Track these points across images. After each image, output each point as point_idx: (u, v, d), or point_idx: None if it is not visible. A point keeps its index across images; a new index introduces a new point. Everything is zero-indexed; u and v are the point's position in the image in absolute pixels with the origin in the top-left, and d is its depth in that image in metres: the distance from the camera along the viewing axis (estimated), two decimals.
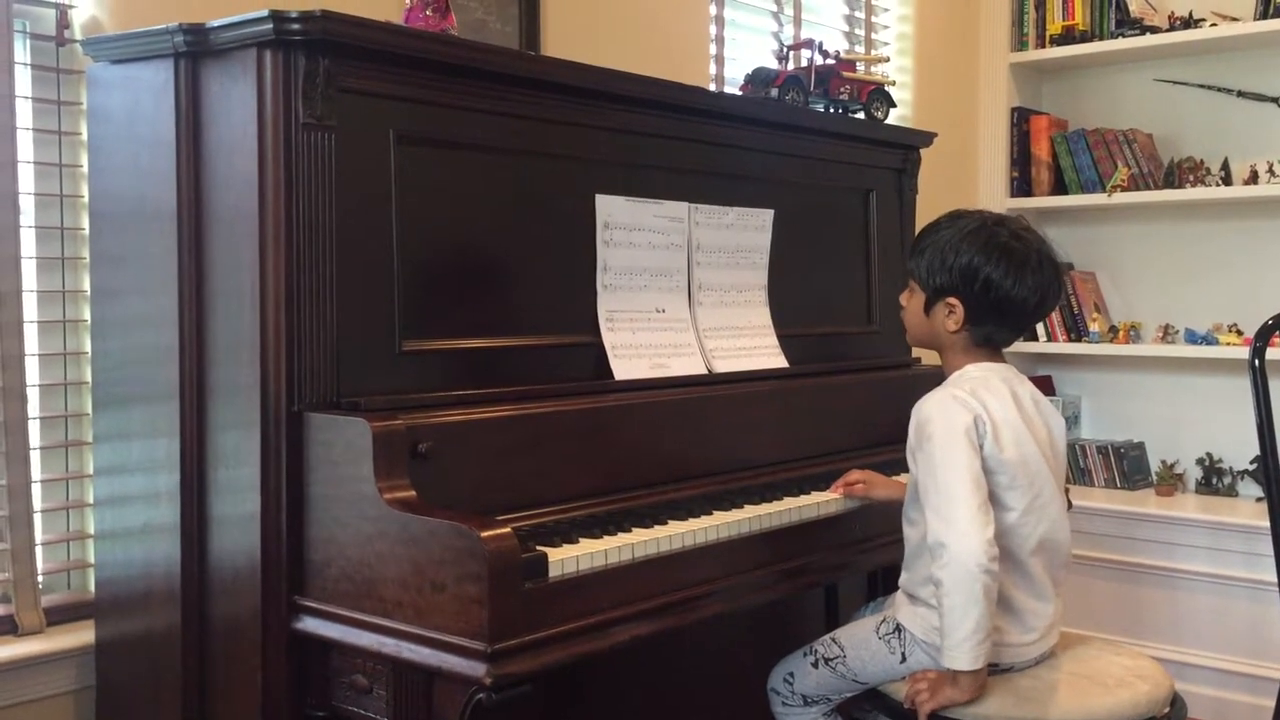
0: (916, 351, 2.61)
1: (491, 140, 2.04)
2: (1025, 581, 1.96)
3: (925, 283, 2.02)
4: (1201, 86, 3.92)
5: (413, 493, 1.71)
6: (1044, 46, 4.11)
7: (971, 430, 1.89)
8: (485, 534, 1.60)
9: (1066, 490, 2.05)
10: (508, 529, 1.64)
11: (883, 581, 2.72)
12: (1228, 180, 3.81)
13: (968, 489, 1.85)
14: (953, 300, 1.98)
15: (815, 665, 2.09)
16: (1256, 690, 3.44)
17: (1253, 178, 3.73)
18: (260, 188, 1.78)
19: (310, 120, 1.79)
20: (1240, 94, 3.85)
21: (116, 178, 1.99)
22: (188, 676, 1.90)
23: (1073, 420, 4.18)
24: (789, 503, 2.15)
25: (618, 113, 2.22)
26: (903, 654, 2.00)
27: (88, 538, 2.16)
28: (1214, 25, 3.80)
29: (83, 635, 2.10)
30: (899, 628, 2.01)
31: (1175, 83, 3.98)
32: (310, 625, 1.79)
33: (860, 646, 2.05)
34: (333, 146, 1.81)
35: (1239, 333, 3.75)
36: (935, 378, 2.11)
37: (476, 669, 1.59)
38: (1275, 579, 2.38)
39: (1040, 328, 4.06)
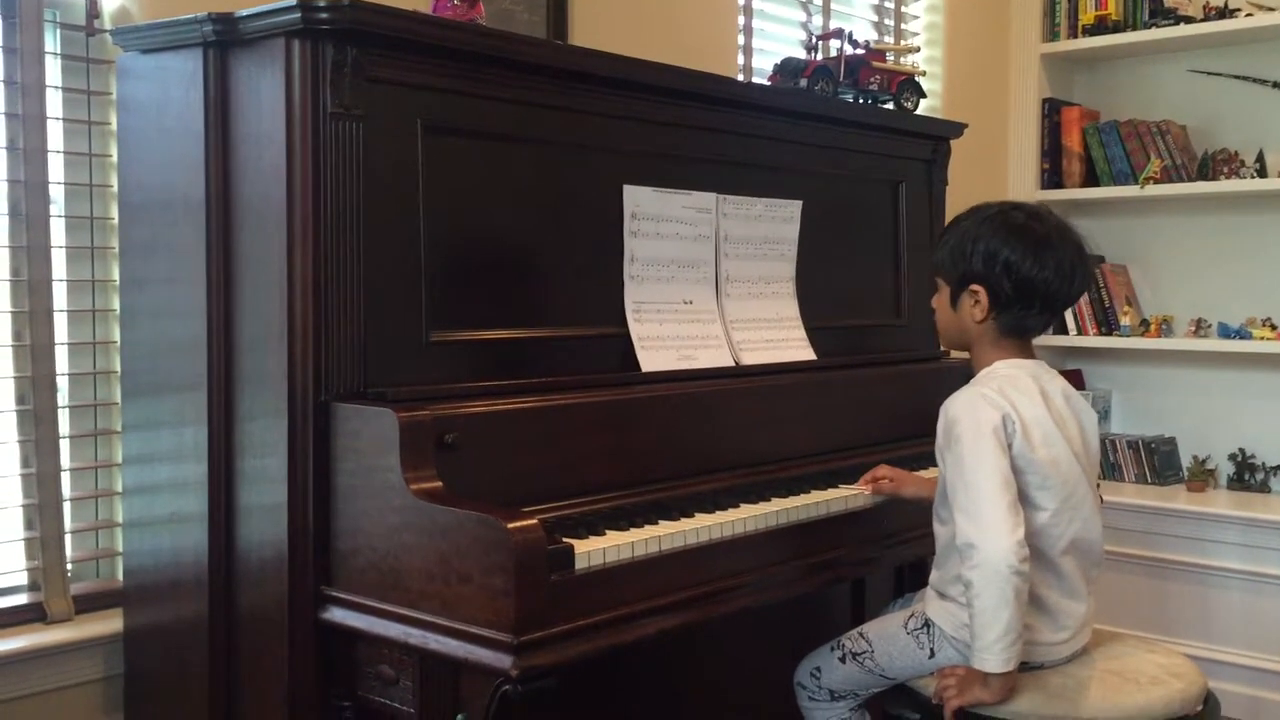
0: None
1: (519, 130, 2.03)
2: (1057, 580, 1.94)
3: (949, 275, 2.01)
4: (1236, 77, 3.87)
5: (439, 483, 1.71)
6: (1076, 37, 4.07)
7: (1000, 429, 1.87)
8: (512, 525, 1.59)
9: (1098, 486, 2.03)
10: (534, 520, 1.63)
11: (910, 577, 2.71)
12: (1263, 172, 3.75)
13: (997, 489, 1.83)
14: (976, 287, 1.97)
15: (843, 660, 2.07)
16: None
17: None
18: (288, 177, 1.79)
19: (338, 110, 1.78)
20: (1276, 85, 3.79)
21: (145, 167, 1.99)
22: (214, 665, 1.91)
23: (1103, 415, 4.14)
24: (816, 496, 2.14)
25: (645, 103, 2.21)
26: (931, 649, 1.99)
27: (116, 526, 2.17)
28: (1249, 15, 3.75)
29: (111, 623, 2.11)
30: (928, 623, 2.00)
31: (1210, 74, 3.93)
32: (337, 615, 1.79)
33: (888, 641, 2.04)
34: (360, 136, 1.81)
35: (1273, 327, 3.70)
36: (963, 371, 2.09)
37: (503, 661, 1.59)
38: None
39: (1071, 321, 4.02)
